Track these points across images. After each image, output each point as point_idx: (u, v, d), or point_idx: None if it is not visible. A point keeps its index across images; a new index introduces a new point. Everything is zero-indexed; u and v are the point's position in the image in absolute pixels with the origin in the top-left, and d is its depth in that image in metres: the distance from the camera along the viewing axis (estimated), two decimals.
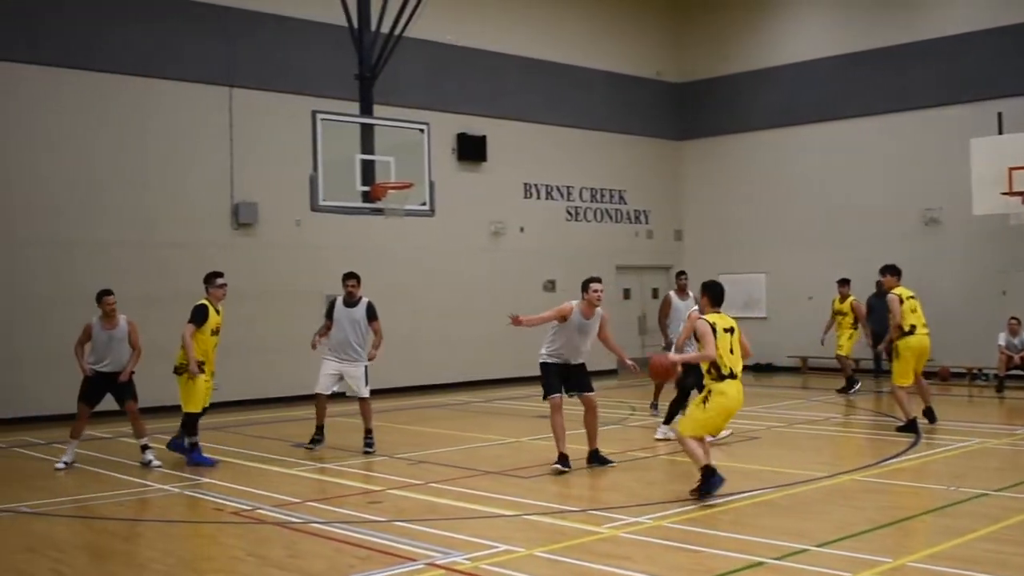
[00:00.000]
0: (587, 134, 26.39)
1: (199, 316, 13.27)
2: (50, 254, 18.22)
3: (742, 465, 12.34)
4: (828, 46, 25.68)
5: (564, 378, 12.44)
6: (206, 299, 13.50)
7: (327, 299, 15.15)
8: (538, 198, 25.37)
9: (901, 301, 15.37)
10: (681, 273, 17.72)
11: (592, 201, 26.55)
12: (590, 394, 12.48)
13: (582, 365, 12.50)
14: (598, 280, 12.47)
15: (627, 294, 27.28)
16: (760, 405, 18.64)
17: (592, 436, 12.59)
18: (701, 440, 10.54)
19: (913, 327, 15.29)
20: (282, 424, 16.20)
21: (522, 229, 24.86)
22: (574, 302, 12.42)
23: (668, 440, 14.29)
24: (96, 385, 13.26)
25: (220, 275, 13.81)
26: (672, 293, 17.25)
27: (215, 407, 18.97)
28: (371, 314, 14.33)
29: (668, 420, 14.56)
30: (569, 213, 26.05)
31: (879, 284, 23.04)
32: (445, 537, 8.88)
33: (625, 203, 27.31)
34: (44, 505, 10.75)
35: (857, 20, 25.25)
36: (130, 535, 9.37)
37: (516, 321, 12.23)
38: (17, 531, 9.59)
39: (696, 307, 14.61)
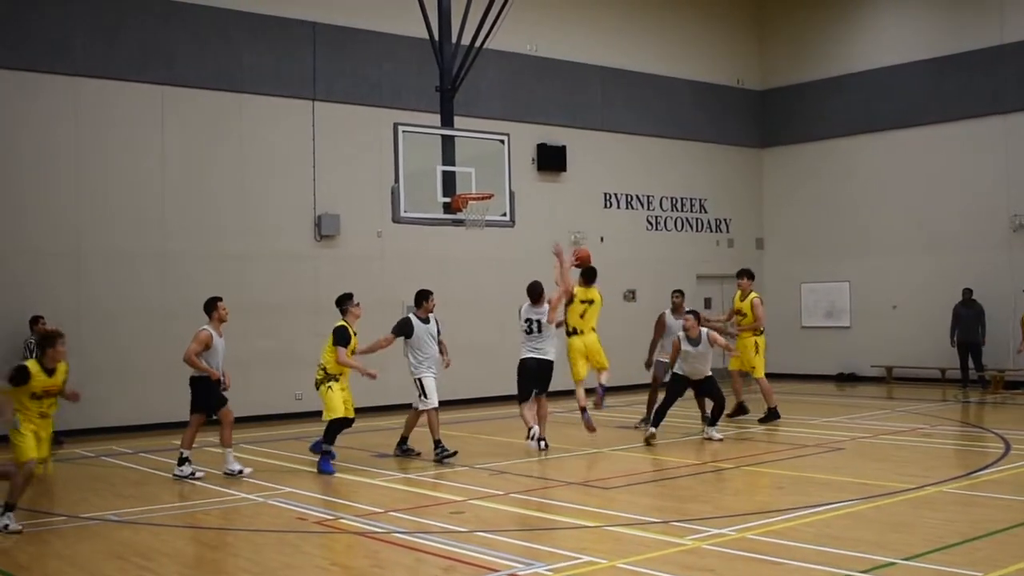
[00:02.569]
0: (667, 143, 26.25)
1: (341, 337, 13.62)
2: (130, 266, 18.51)
3: (826, 476, 12.17)
4: (911, 51, 25.25)
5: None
6: (344, 321, 13.88)
7: (408, 310, 15.25)
8: (618, 208, 25.28)
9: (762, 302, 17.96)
10: (677, 292, 17.61)
11: (672, 210, 26.39)
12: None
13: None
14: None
15: (708, 303, 27.03)
16: (844, 415, 18.37)
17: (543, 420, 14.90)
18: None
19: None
20: (365, 434, 16.28)
21: (602, 239, 24.76)
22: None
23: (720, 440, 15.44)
24: (216, 393, 13.23)
25: (350, 296, 14.24)
26: (667, 312, 17.29)
27: (298, 416, 19.25)
28: (439, 328, 14.72)
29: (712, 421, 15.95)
30: (649, 222, 25.92)
31: (967, 292, 22.76)
32: (527, 548, 8.86)
33: (706, 212, 27.10)
34: (131, 513, 10.90)
35: (941, 25, 24.81)
36: (217, 544, 9.47)
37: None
38: (105, 539, 9.74)
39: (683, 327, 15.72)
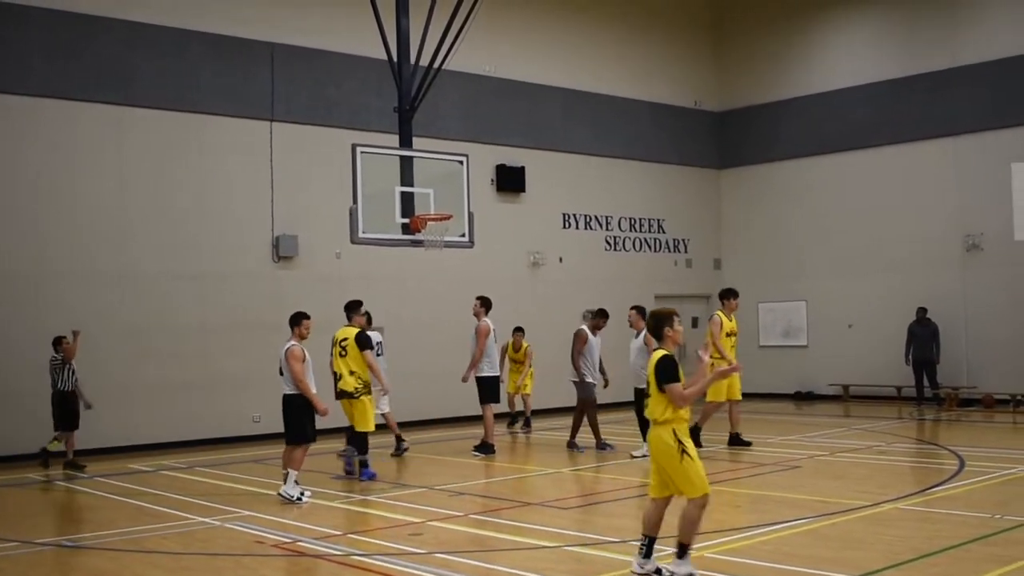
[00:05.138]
0: (625, 163, 26.37)
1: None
2: (88, 287, 18.35)
3: (784, 494, 12.21)
4: (867, 73, 25.54)
5: None
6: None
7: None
8: (577, 228, 25.35)
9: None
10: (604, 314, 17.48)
11: (631, 230, 26.49)
12: None
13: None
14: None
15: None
16: (801, 434, 18.46)
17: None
18: None
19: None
20: (322, 457, 16.19)
21: (561, 259, 24.84)
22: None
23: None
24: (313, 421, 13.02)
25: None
26: (586, 328, 17.09)
27: (256, 440, 19.12)
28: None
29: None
30: (608, 243, 26.00)
31: (921, 311, 22.99)
32: (486, 569, 8.82)
33: (664, 232, 27.23)
34: (87, 538, 10.78)
35: (896, 47, 25.11)
36: (175, 568, 9.36)
37: None
38: (60, 565, 9.62)
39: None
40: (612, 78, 26.21)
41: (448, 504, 12.26)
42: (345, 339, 14.31)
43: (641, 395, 16.01)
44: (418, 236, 15.26)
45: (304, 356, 12.80)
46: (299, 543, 10.20)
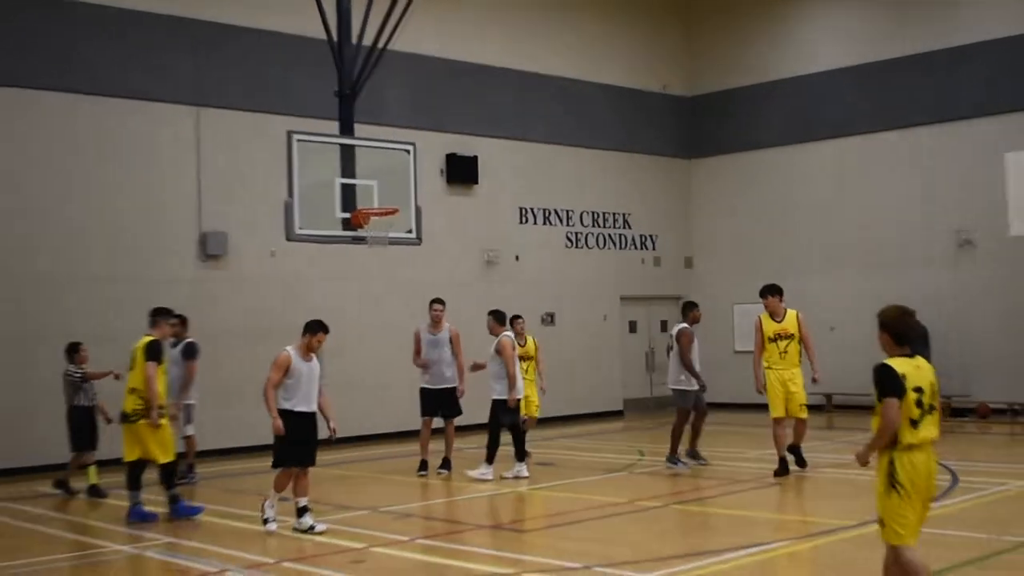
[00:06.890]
0: (588, 153, 26.34)
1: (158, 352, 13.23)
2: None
3: (764, 514, 12.21)
4: (849, 55, 25.64)
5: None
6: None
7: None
8: (535, 223, 25.28)
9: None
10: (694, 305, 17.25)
11: (594, 226, 26.47)
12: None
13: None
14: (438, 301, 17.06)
15: (633, 327, 27.16)
16: None
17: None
18: None
19: None
20: (256, 476, 16.04)
21: (517, 258, 24.76)
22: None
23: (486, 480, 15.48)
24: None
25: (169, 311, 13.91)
26: (686, 326, 16.68)
27: (179, 455, 18.86)
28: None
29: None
30: (569, 239, 25.96)
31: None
32: None
33: (630, 228, 27.22)
34: None
35: (879, 27, 25.22)
36: None
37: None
38: None
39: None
40: (572, 60, 26.14)
41: (393, 528, 12.15)
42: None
43: (500, 408, 15.83)
44: (360, 232, 15.17)
45: (289, 364, 12.16)
46: (227, 573, 10.05)
